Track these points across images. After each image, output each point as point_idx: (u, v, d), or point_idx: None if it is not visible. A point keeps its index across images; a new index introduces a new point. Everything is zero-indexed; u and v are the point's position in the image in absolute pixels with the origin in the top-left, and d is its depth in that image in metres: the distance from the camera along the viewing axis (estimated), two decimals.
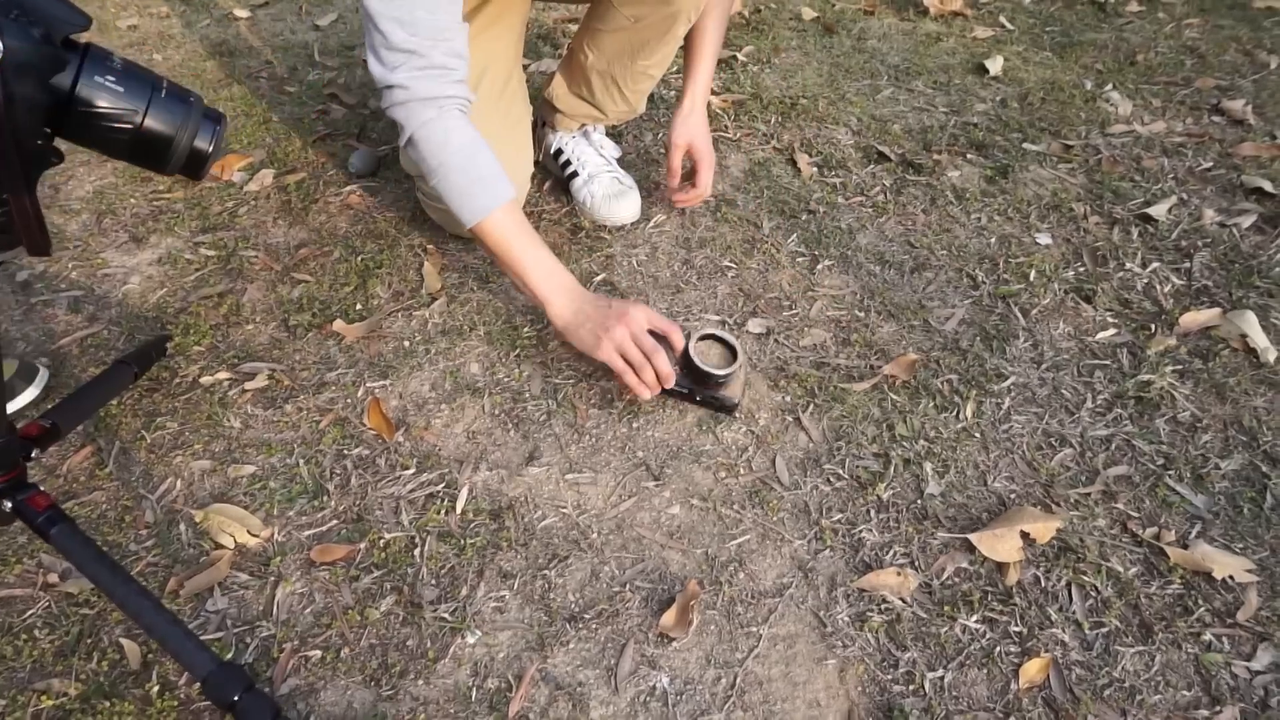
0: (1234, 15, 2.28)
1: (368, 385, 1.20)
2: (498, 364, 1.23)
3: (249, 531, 1.01)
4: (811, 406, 1.18)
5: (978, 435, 1.15)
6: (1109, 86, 1.92)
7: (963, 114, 1.82)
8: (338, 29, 2.16)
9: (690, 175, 1.42)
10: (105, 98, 0.66)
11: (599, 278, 1.38)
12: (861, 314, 1.33)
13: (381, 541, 1.01)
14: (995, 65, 1.98)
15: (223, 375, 1.21)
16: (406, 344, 1.26)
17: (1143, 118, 1.81)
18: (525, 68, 1.94)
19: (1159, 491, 1.07)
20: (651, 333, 1.08)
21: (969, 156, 1.68)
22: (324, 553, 0.99)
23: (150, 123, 0.68)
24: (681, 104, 1.37)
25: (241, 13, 2.22)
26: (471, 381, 1.21)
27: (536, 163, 1.48)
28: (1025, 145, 1.71)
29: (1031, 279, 1.39)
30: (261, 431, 1.14)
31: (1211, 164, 1.66)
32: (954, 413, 1.17)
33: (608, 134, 1.59)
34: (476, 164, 1.07)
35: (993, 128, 1.77)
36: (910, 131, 1.76)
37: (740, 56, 2.02)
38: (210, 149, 0.72)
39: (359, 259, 1.41)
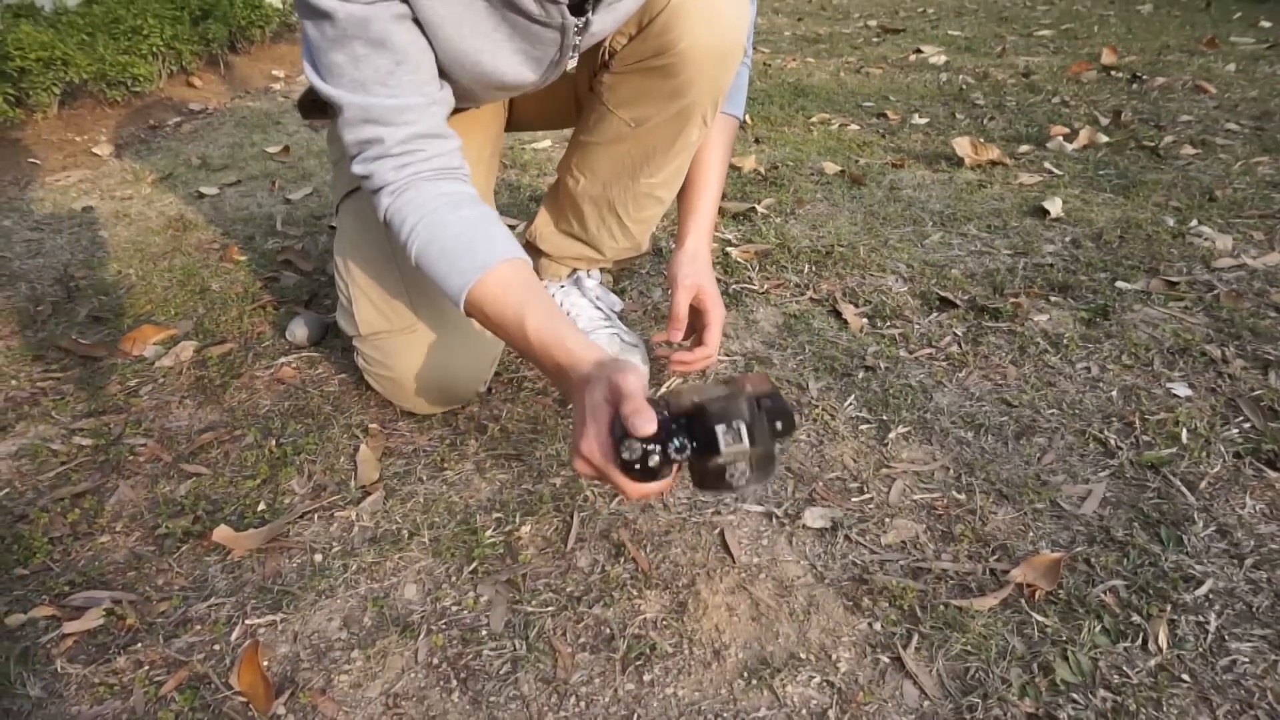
0: None
1: (249, 622, 0.81)
2: (445, 585, 0.85)
3: None
4: (916, 638, 0.77)
5: (1186, 678, 0.73)
6: (1194, 222, 1.63)
7: (1031, 255, 1.53)
8: (309, 202, 1.95)
9: (694, 328, 1.08)
10: None
11: None
12: (962, 496, 0.95)
13: None
14: (1055, 206, 1.71)
15: (41, 612, 0.82)
16: (319, 558, 0.88)
17: (1249, 251, 1.51)
18: (512, 230, 1.70)
19: None
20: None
21: (1053, 299, 1.36)
22: None
23: None
24: (684, 243, 1.06)
25: (209, 190, 2.03)
26: (404, 613, 0.82)
27: None
28: (1119, 284, 1.39)
29: (1184, 440, 1.02)
30: (70, 703, 0.73)
31: None
32: (1138, 640, 0.76)
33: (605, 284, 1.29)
34: (447, 231, 0.81)
35: (1071, 268, 1.47)
36: (973, 276, 1.46)
37: (760, 208, 1.78)
38: None
39: (275, 443, 1.06)
